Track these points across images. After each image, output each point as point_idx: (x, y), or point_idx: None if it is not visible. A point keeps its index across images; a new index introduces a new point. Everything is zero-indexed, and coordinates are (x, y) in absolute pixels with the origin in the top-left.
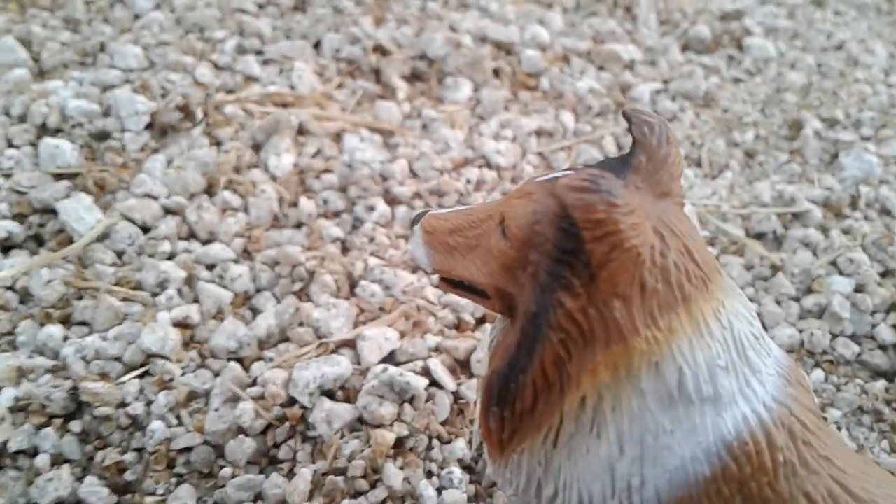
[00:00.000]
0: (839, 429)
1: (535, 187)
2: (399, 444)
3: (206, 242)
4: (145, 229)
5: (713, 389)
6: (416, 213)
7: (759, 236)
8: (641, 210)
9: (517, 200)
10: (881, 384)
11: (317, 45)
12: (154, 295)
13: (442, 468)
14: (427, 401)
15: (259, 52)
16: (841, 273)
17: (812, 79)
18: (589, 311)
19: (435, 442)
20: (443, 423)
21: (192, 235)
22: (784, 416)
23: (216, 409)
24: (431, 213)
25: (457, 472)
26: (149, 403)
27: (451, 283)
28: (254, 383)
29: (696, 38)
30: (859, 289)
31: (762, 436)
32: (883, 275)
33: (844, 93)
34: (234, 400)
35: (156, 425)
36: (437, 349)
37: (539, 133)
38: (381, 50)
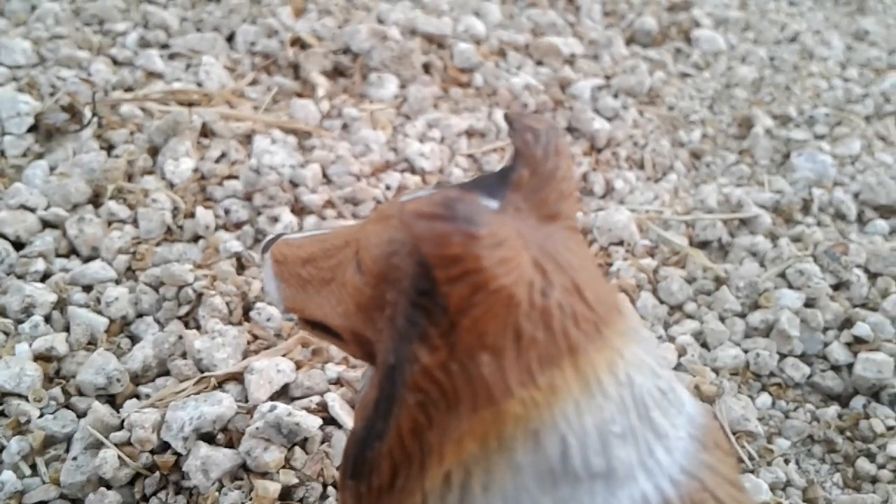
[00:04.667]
0: (787, 462)
1: (396, 210)
2: (286, 494)
3: (87, 259)
4: (19, 245)
5: (605, 463)
6: (268, 238)
7: (704, 245)
8: (515, 240)
9: (373, 226)
10: (833, 410)
11: (230, 38)
12: (18, 322)
13: None
14: (323, 442)
15: (165, 46)
16: (790, 286)
17: (764, 73)
18: (451, 368)
19: (330, 489)
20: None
21: (72, 251)
22: (695, 491)
23: (74, 458)
24: (284, 238)
25: None
26: (0, 450)
27: (310, 323)
28: (122, 427)
29: (643, 31)
30: (810, 303)
31: None
32: (836, 287)
33: (798, 87)
34: (97, 447)
35: (6, 476)
36: (338, 381)
37: (470, 133)
38: (300, 43)
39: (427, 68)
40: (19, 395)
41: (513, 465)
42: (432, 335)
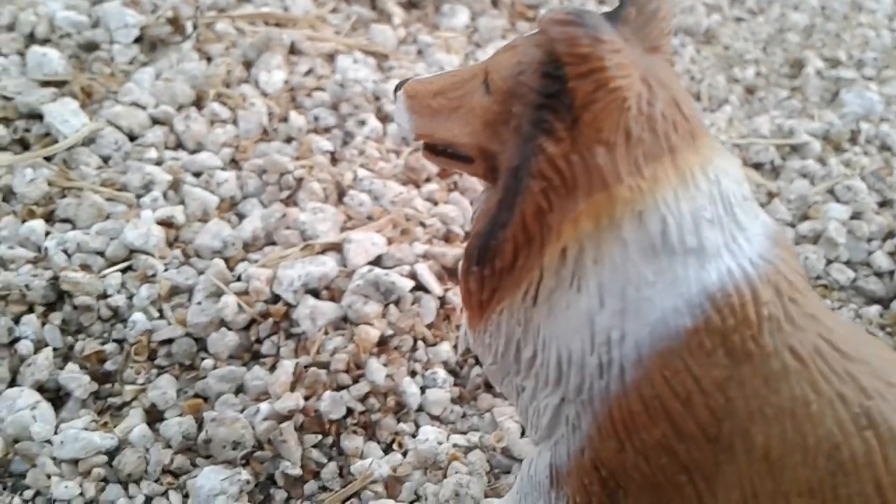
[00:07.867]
0: None
1: (521, 40)
2: (383, 342)
3: (193, 152)
4: (132, 137)
5: (697, 241)
6: (398, 81)
7: (757, 167)
8: (629, 53)
9: (502, 55)
10: (875, 309)
11: None
12: (139, 196)
13: (426, 369)
14: (413, 303)
15: None
16: (838, 200)
17: (815, 20)
18: (571, 158)
19: (420, 343)
20: (428, 327)
21: (179, 145)
22: (771, 273)
23: (199, 303)
24: (415, 77)
25: (441, 373)
26: (130, 297)
27: (435, 151)
28: (238, 280)
29: None
30: (856, 216)
31: (747, 289)
32: (881, 204)
33: (847, 35)
34: (217, 294)
35: (137, 317)
36: (425, 256)
37: None
38: None
39: (495, 3)
40: (146, 252)
41: (620, 239)
42: (558, 129)
